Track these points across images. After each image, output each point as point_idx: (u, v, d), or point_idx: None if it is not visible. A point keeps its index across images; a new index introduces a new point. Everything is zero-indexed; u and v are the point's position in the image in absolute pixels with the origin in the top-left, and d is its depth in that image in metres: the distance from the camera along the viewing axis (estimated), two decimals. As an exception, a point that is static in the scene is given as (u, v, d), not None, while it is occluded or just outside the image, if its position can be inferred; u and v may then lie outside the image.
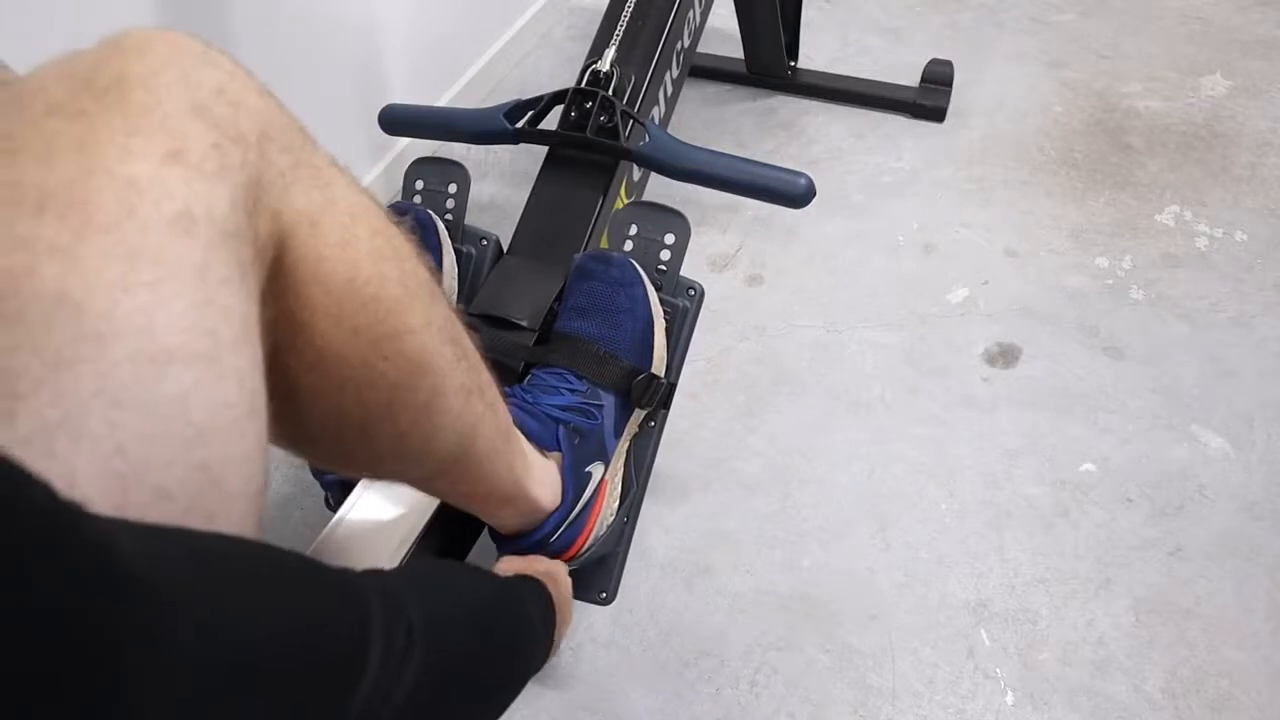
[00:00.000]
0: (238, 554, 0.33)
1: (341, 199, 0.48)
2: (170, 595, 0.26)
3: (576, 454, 0.73)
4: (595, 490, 0.75)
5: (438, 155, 1.17)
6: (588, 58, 1.01)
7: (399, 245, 0.52)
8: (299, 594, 0.35)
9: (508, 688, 0.54)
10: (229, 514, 0.36)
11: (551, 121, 0.98)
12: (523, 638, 0.58)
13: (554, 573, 0.69)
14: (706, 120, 1.66)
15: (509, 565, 0.70)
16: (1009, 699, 0.91)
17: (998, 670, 0.93)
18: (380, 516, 0.74)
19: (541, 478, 0.69)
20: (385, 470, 0.58)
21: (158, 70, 0.40)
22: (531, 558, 0.71)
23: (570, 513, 0.72)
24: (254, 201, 0.42)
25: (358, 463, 0.56)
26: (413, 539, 0.79)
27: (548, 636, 0.62)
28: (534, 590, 0.63)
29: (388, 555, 0.73)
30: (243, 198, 0.41)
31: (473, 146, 1.10)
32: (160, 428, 0.34)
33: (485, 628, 0.51)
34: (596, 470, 0.75)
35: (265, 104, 0.44)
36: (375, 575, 0.42)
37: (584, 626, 0.98)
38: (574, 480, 0.72)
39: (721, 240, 1.42)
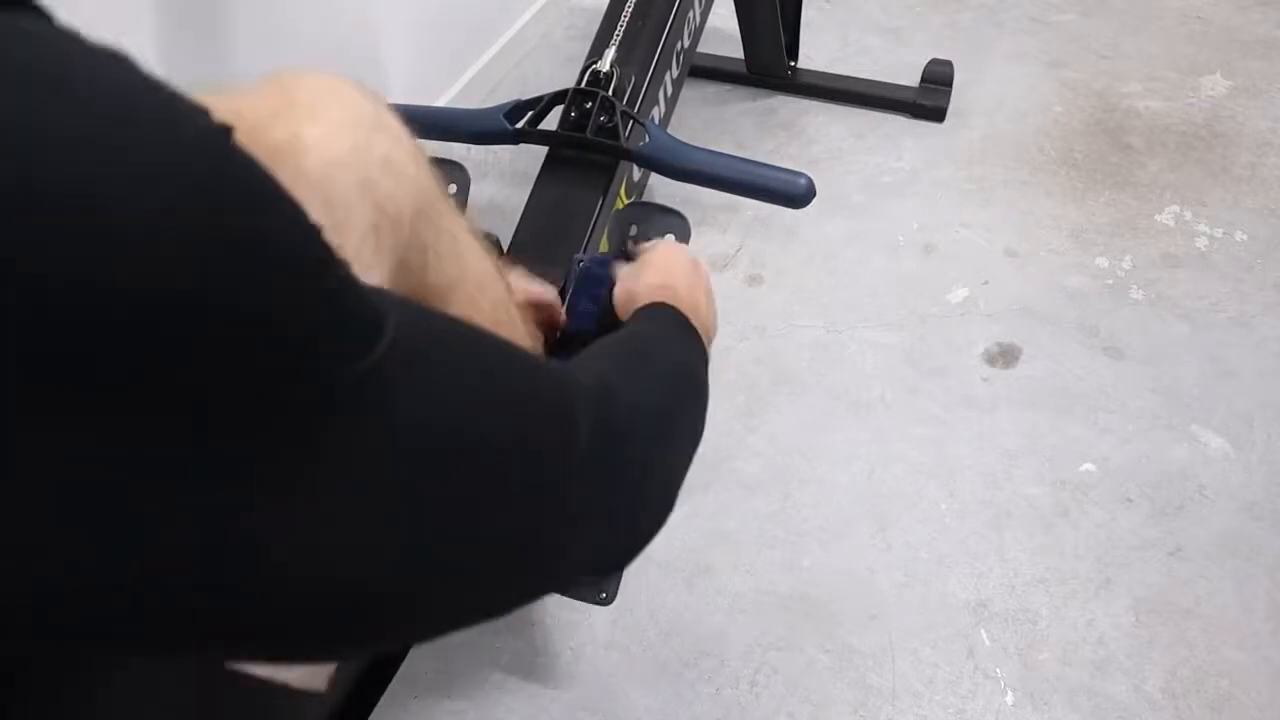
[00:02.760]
0: (472, 343, 0.34)
1: (471, 269, 0.48)
2: (394, 357, 0.28)
3: None
4: None
5: (438, 155, 1.17)
6: (588, 58, 1.01)
7: (514, 314, 0.52)
8: (517, 384, 0.36)
9: (690, 443, 0.54)
10: None
11: (551, 122, 0.98)
12: (697, 399, 0.56)
13: (692, 296, 0.63)
14: (706, 120, 1.66)
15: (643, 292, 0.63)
16: (1009, 699, 0.91)
17: (998, 670, 0.93)
18: None
19: None
20: None
21: (332, 135, 0.39)
22: (665, 276, 0.64)
23: None
24: (393, 287, 0.41)
25: None
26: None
27: (706, 371, 0.59)
28: (692, 341, 0.59)
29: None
30: (387, 285, 0.40)
31: (473, 146, 1.10)
32: None
33: (670, 409, 0.50)
34: None
35: (420, 172, 0.44)
36: (582, 373, 0.43)
37: (584, 626, 0.98)
38: None
39: (721, 240, 1.42)
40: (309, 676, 0.38)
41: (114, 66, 0.21)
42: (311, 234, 0.25)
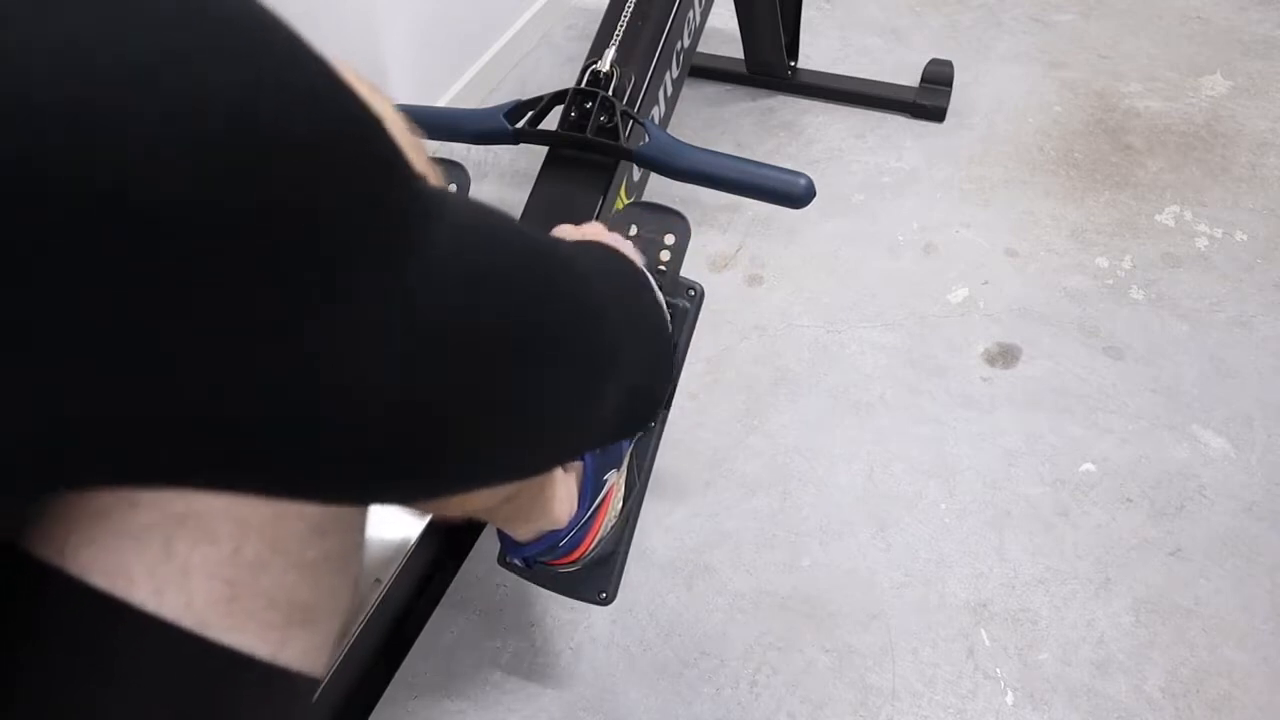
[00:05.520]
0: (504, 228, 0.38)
1: None
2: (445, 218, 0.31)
3: (598, 463, 0.73)
4: (604, 494, 0.75)
5: (438, 155, 1.17)
6: (588, 58, 1.01)
7: None
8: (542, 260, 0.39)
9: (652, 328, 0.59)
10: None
11: (551, 122, 0.98)
12: (647, 301, 0.60)
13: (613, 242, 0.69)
14: (706, 120, 1.66)
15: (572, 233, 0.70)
16: (1009, 699, 0.91)
17: (998, 670, 0.93)
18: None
19: (564, 494, 0.69)
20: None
21: None
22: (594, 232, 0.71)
23: (581, 519, 0.72)
24: None
25: None
26: (412, 540, 0.79)
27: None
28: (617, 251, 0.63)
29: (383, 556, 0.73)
30: None
31: (473, 146, 1.10)
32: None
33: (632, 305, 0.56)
34: (611, 477, 0.75)
35: (415, 158, 0.45)
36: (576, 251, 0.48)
37: (584, 626, 0.98)
38: (591, 490, 0.72)
39: (721, 240, 1.42)
40: (308, 660, 0.38)
41: None
42: (348, 90, 0.27)
